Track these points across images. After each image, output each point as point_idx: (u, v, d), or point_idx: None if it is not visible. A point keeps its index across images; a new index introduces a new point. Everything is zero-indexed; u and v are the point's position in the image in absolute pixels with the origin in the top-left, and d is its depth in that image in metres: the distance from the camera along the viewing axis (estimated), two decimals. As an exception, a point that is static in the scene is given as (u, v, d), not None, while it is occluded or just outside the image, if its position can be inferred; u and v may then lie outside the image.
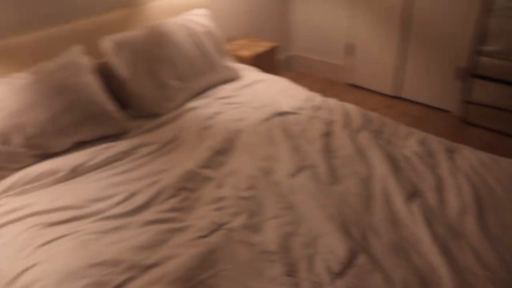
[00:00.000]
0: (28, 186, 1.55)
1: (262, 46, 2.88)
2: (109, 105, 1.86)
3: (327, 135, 1.82)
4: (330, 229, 1.31)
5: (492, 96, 2.86)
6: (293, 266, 1.21)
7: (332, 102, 2.10)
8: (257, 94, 2.19)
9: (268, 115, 1.97)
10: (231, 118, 1.98)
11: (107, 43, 2.01)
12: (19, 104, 1.65)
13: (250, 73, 2.45)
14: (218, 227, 1.35)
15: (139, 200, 1.47)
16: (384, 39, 3.11)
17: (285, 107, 2.03)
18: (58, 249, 1.29)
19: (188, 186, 1.53)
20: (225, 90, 2.25)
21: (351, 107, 2.03)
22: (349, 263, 1.21)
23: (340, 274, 1.18)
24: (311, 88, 3.21)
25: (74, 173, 1.62)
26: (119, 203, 1.46)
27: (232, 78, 2.35)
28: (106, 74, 2.04)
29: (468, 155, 1.66)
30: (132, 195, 1.49)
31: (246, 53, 2.77)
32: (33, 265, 1.24)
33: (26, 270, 1.23)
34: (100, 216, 1.41)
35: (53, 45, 1.97)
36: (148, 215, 1.41)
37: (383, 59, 3.18)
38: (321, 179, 1.54)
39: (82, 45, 2.02)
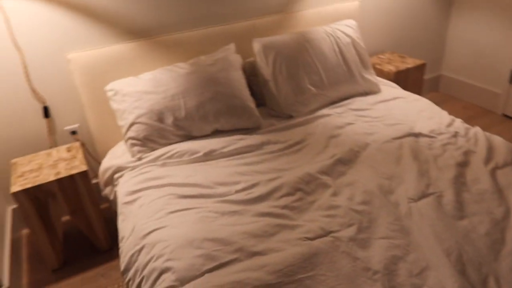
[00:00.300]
0: (170, 161, 1.80)
1: (408, 63, 2.76)
2: (249, 101, 2.02)
3: (463, 165, 1.67)
4: (443, 264, 1.22)
5: None
6: (394, 291, 1.16)
7: (475, 131, 1.91)
8: (393, 111, 2.12)
9: (400, 134, 1.89)
10: (361, 130, 1.96)
11: (256, 44, 2.18)
12: (176, 89, 1.91)
13: (390, 89, 2.38)
14: (325, 233, 1.36)
15: (257, 191, 1.57)
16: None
17: (421, 129, 1.93)
18: (183, 219, 1.46)
19: (305, 188, 1.58)
20: (361, 102, 2.23)
21: (498, 140, 1.82)
22: (459, 305, 1.11)
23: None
24: (458, 113, 2.97)
25: (208, 156, 1.81)
26: (240, 191, 1.59)
27: (370, 91, 2.32)
28: (251, 72, 2.23)
29: None
30: (252, 185, 1.61)
31: (389, 68, 2.69)
32: (162, 227, 1.43)
33: (156, 229, 1.43)
34: (222, 198, 1.55)
35: (212, 42, 2.22)
36: (263, 207, 1.50)
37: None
38: (446, 210, 1.43)
39: (235, 44, 2.24)
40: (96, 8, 1.96)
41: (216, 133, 1.97)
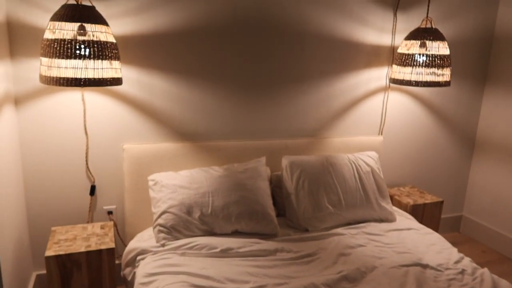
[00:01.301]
0: (190, 251, 1.96)
1: (426, 198, 2.91)
2: (270, 209, 2.22)
3: (465, 302, 1.71)
4: None
5: None
6: None
7: (483, 271, 1.96)
8: (404, 240, 2.23)
9: (407, 262, 1.98)
10: (371, 253, 2.07)
11: (285, 160, 2.46)
12: (207, 188, 2.16)
13: (405, 220, 2.52)
14: None
15: (264, 293, 1.67)
16: None
17: (429, 261, 2.01)
18: (191, 307, 1.57)
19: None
20: (375, 227, 2.37)
21: (504, 283, 1.87)
22: None
23: None
24: (477, 257, 3.01)
25: (225, 253, 1.96)
26: (247, 290, 1.70)
27: (385, 219, 2.47)
28: (276, 184, 2.47)
29: None
30: (260, 287, 1.71)
31: (408, 200, 2.85)
32: (170, 311, 1.55)
33: (164, 312, 1.55)
34: (230, 294, 1.66)
35: (247, 153, 2.52)
36: (266, 308, 1.59)
37: None
38: None
39: (267, 157, 2.53)
40: (156, 109, 2.35)
41: (236, 233, 2.14)
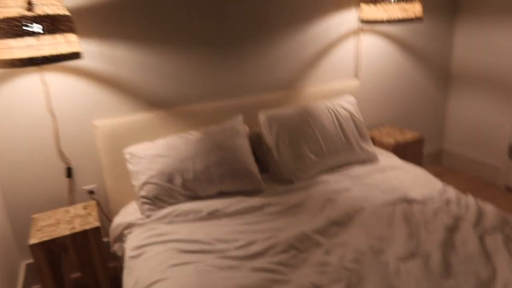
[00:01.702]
0: (176, 219, 1.93)
1: (407, 136, 2.92)
2: (253, 166, 2.19)
3: (452, 230, 1.74)
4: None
5: None
6: None
7: (467, 199, 2.00)
8: (389, 178, 2.24)
9: (394, 200, 2.00)
10: (357, 196, 2.08)
11: (262, 116, 2.40)
12: (186, 154, 2.10)
13: (388, 159, 2.53)
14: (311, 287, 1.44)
15: (254, 249, 1.67)
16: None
17: (414, 195, 2.03)
18: (183, 272, 1.56)
19: (299, 246, 1.68)
20: (358, 169, 2.37)
21: (488, 208, 1.90)
22: None
23: None
24: (461, 186, 3.06)
25: (211, 215, 1.94)
26: (238, 248, 1.69)
27: (368, 160, 2.47)
28: (256, 141, 2.42)
29: None
30: (250, 243, 1.71)
31: (389, 140, 2.86)
32: (163, 279, 1.53)
33: (157, 281, 1.53)
34: (221, 254, 1.66)
35: (222, 113, 2.45)
36: (258, 263, 1.59)
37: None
38: (433, 270, 1.50)
39: (244, 116, 2.47)
40: (123, 80, 2.24)
41: (221, 194, 2.12)
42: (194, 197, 2.07)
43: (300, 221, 1.87)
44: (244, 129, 2.34)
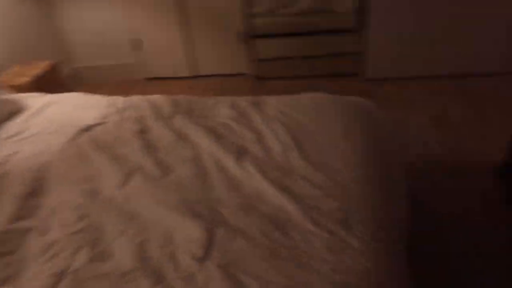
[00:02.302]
0: None
1: (39, 68, 2.55)
2: None
3: (142, 132, 1.73)
4: (179, 220, 1.27)
5: (274, 50, 3.20)
6: (158, 273, 1.13)
7: (136, 99, 2.02)
8: (52, 118, 1.93)
9: (71, 135, 1.76)
10: (30, 154, 1.70)
11: None
12: None
13: (35, 99, 2.15)
14: (61, 276, 1.15)
15: None
16: (166, 26, 3.15)
17: (88, 121, 1.86)
18: None
19: (3, 250, 1.26)
20: (10, 126, 1.91)
21: (156, 98, 1.98)
22: (210, 242, 1.19)
23: (206, 256, 1.15)
24: (111, 95, 3.03)
25: None
26: None
27: (14, 111, 2.02)
28: None
29: (273, 103, 1.81)
30: None
31: (22, 79, 2.41)
32: None
33: None
34: None
35: None
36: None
37: (172, 45, 3.22)
38: (153, 177, 1.47)
39: None
40: None
41: None
42: None
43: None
44: None
